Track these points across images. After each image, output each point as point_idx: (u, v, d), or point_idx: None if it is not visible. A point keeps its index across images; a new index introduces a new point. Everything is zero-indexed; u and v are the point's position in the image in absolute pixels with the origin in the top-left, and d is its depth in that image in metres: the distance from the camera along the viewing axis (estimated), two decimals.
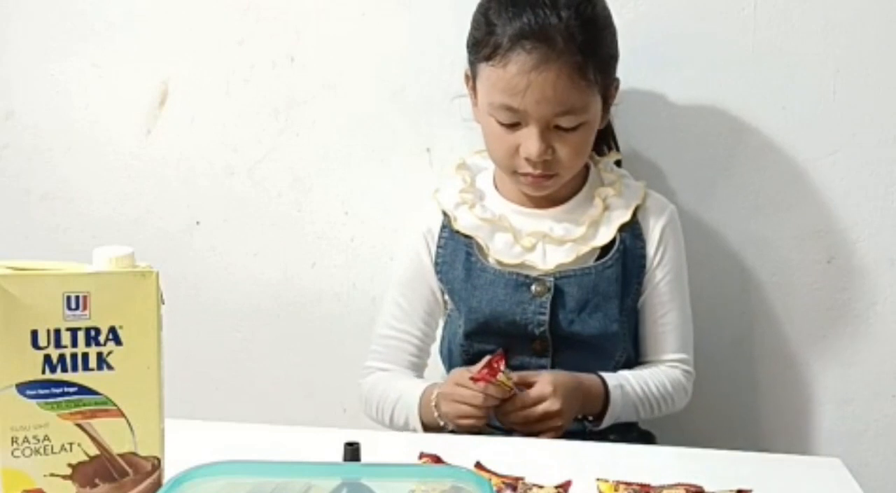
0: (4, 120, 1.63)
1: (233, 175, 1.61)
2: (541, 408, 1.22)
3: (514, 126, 1.27)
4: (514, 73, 1.23)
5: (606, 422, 1.30)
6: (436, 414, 1.27)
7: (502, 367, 1.21)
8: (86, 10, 1.58)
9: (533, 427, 1.23)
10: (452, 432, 1.27)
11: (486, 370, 1.21)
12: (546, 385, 1.23)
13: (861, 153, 1.48)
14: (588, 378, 1.29)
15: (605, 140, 1.42)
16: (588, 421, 1.31)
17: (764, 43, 1.46)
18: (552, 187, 1.32)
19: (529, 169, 1.28)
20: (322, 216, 1.60)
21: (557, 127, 1.26)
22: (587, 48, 1.23)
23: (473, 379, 1.21)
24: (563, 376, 1.26)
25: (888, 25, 1.44)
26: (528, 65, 1.22)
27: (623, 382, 1.31)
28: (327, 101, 1.56)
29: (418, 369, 1.41)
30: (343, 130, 1.57)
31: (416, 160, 1.55)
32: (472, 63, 1.32)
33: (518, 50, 1.22)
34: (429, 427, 1.30)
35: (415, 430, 1.31)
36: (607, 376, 1.31)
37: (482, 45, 1.27)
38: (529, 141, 1.26)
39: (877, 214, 1.50)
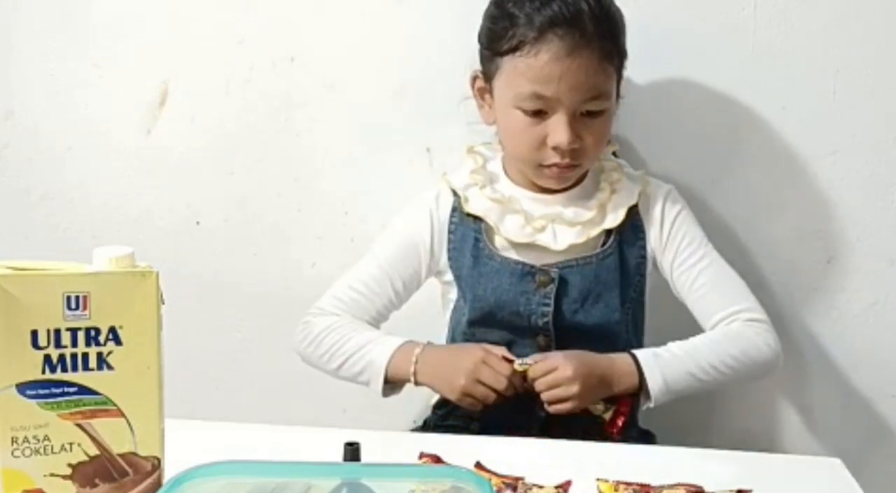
0: (4, 120, 1.63)
1: (233, 175, 1.61)
2: (550, 377, 1.22)
3: (539, 116, 1.27)
4: (547, 61, 1.23)
5: (658, 395, 1.24)
6: (412, 369, 1.27)
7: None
8: (86, 10, 1.58)
9: (550, 395, 1.23)
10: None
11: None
12: (556, 356, 1.24)
13: (861, 153, 1.48)
14: (611, 355, 1.26)
15: None
16: (638, 397, 1.27)
17: (764, 43, 1.46)
18: (573, 179, 1.33)
19: (556, 159, 1.28)
20: (322, 216, 1.60)
21: (583, 114, 1.27)
22: (612, 34, 1.26)
23: (506, 359, 1.23)
24: (575, 351, 1.25)
25: (888, 25, 1.44)
26: (562, 51, 1.23)
27: (660, 351, 1.27)
28: (327, 101, 1.56)
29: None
30: (343, 130, 1.57)
31: (416, 160, 1.55)
32: (490, 59, 1.31)
33: (550, 37, 1.23)
34: (392, 383, 1.30)
35: (366, 383, 1.31)
36: (638, 350, 1.28)
37: (504, 39, 1.27)
38: (559, 130, 1.26)
39: (877, 214, 1.50)
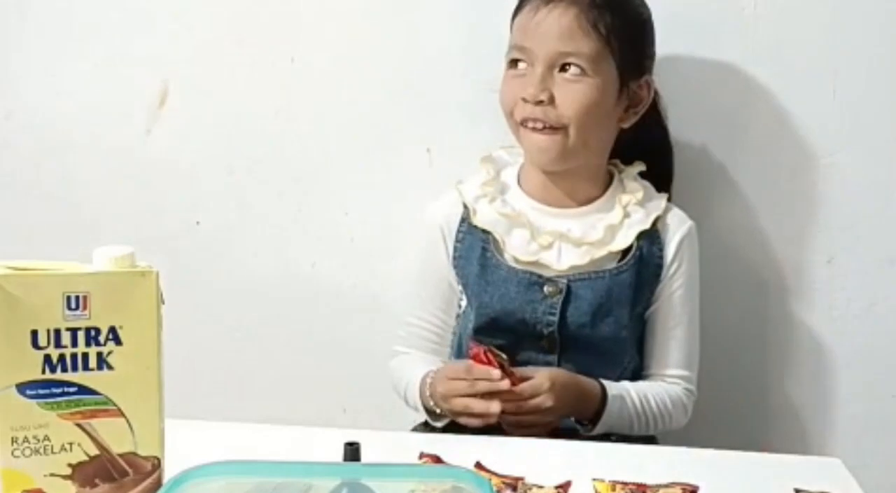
0: (4, 120, 1.63)
1: (233, 175, 1.61)
2: (533, 402, 1.22)
3: (521, 71, 1.31)
4: (527, 11, 1.31)
5: (599, 429, 1.29)
6: (431, 403, 1.29)
7: (493, 351, 1.22)
8: (86, 10, 1.58)
9: (523, 420, 1.23)
10: (452, 424, 1.29)
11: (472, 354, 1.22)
12: (544, 380, 1.23)
13: (861, 153, 1.48)
14: (588, 382, 1.29)
15: (663, 158, 1.44)
16: (581, 425, 1.31)
17: (764, 43, 1.46)
18: (554, 149, 1.31)
19: (526, 113, 1.30)
20: (322, 216, 1.60)
21: (562, 75, 1.29)
22: (604, 5, 1.29)
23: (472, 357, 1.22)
24: (562, 375, 1.26)
25: (888, 25, 1.44)
26: (540, 2, 1.29)
27: (624, 393, 1.31)
28: (327, 101, 1.56)
29: (439, 353, 1.43)
30: (343, 130, 1.57)
31: (416, 160, 1.55)
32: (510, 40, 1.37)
33: None
34: (431, 413, 1.31)
35: (424, 415, 1.34)
36: (609, 384, 1.30)
37: (513, 20, 1.34)
38: (529, 81, 1.30)
39: (877, 214, 1.49)
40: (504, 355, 1.23)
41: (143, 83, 1.59)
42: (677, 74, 1.48)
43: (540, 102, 1.29)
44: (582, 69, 1.28)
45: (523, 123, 1.31)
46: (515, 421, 1.23)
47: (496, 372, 1.20)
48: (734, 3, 1.45)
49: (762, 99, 1.48)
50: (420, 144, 1.55)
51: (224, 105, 1.58)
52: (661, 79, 1.48)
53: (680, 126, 1.50)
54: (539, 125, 1.30)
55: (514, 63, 1.33)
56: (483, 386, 1.20)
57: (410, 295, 1.45)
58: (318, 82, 1.56)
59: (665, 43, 1.46)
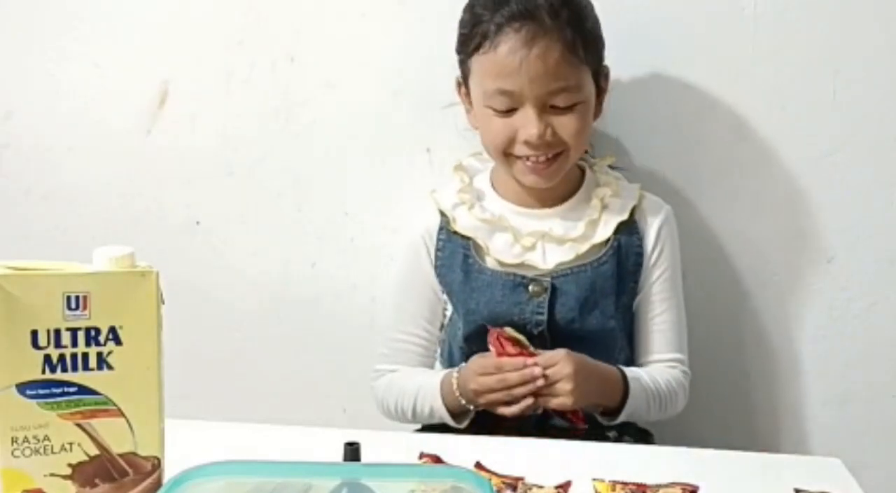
0: (4, 120, 1.63)
1: (233, 175, 1.61)
2: (550, 371, 1.22)
3: (510, 112, 1.28)
4: (506, 54, 1.25)
5: (623, 417, 1.29)
6: (463, 401, 1.28)
7: (506, 333, 1.24)
8: (86, 10, 1.58)
9: (542, 392, 1.23)
10: (478, 413, 1.29)
11: (498, 347, 1.24)
12: (559, 352, 1.23)
13: (861, 153, 1.48)
14: (606, 366, 1.29)
15: None
16: (602, 416, 1.30)
17: (764, 43, 1.46)
18: (556, 173, 1.32)
19: (530, 152, 1.29)
20: (322, 216, 1.60)
21: (553, 108, 1.27)
22: (573, 24, 1.26)
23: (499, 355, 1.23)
24: (578, 354, 1.25)
25: (888, 25, 1.44)
26: (518, 43, 1.24)
27: (639, 375, 1.31)
28: (327, 101, 1.56)
29: (426, 367, 1.42)
30: (343, 130, 1.57)
31: (416, 160, 1.55)
32: (463, 62, 1.33)
33: (507, 30, 1.25)
34: (455, 412, 1.31)
35: (441, 418, 1.32)
36: (625, 368, 1.31)
37: (471, 39, 1.29)
38: (528, 123, 1.27)
39: (877, 214, 1.50)
40: (520, 336, 1.24)
41: (143, 83, 1.59)
42: (677, 75, 1.48)
43: (543, 139, 1.28)
44: (572, 96, 1.28)
45: (522, 158, 1.30)
46: (543, 401, 1.23)
47: (521, 361, 1.22)
48: (734, 3, 1.45)
49: (762, 99, 1.48)
50: (420, 144, 1.55)
51: (224, 105, 1.58)
52: (661, 78, 1.48)
53: (680, 126, 1.50)
54: (542, 158, 1.29)
55: (500, 108, 1.28)
56: (514, 378, 1.21)
57: (395, 311, 1.44)
58: (318, 82, 1.56)
59: (665, 43, 1.46)
